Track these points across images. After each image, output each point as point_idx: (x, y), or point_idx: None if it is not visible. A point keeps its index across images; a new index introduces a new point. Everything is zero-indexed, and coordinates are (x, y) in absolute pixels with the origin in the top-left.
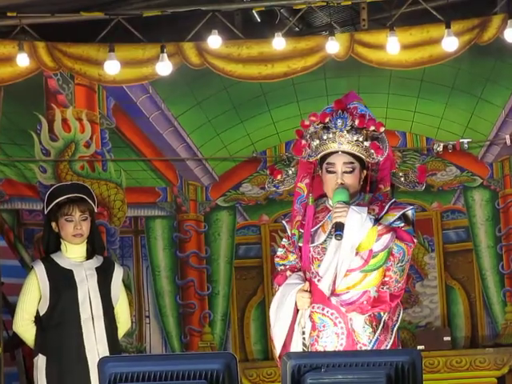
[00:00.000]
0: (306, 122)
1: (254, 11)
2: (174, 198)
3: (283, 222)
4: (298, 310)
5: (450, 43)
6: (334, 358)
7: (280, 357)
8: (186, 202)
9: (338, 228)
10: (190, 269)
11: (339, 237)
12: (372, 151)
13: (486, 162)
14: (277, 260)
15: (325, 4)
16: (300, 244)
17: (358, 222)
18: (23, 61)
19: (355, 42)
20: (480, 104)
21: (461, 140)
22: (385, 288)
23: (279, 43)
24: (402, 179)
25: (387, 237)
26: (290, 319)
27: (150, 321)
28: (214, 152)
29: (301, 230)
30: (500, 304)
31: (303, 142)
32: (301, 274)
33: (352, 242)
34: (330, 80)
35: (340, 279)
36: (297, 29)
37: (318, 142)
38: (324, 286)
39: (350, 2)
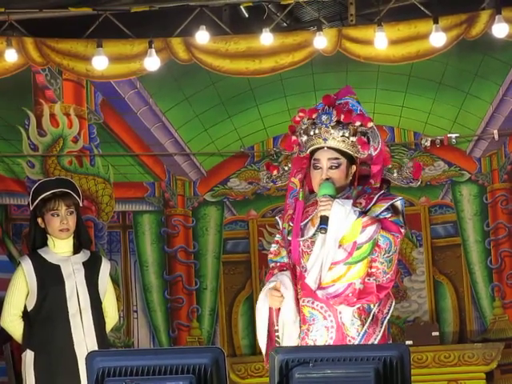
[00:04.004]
0: (297, 118)
1: (241, 6)
2: (162, 192)
3: (276, 217)
4: (279, 309)
5: (438, 38)
6: (323, 353)
7: (266, 355)
8: (173, 196)
9: (323, 221)
10: (177, 264)
11: (323, 230)
12: (359, 146)
13: (474, 157)
14: (270, 257)
15: None
16: (289, 238)
17: (342, 214)
18: (11, 56)
19: (343, 37)
20: (468, 99)
21: (449, 135)
22: (371, 279)
23: (267, 38)
24: (396, 175)
25: (372, 228)
26: (267, 319)
27: (137, 315)
28: (202, 147)
29: (291, 224)
30: (488, 299)
31: (293, 137)
32: (286, 272)
33: (336, 235)
34: (318, 75)
35: (325, 272)
36: (285, 24)
37: (306, 137)
38: (310, 280)
39: None
